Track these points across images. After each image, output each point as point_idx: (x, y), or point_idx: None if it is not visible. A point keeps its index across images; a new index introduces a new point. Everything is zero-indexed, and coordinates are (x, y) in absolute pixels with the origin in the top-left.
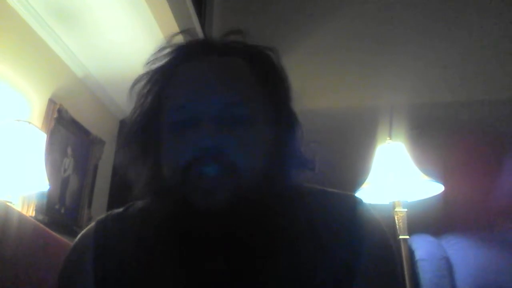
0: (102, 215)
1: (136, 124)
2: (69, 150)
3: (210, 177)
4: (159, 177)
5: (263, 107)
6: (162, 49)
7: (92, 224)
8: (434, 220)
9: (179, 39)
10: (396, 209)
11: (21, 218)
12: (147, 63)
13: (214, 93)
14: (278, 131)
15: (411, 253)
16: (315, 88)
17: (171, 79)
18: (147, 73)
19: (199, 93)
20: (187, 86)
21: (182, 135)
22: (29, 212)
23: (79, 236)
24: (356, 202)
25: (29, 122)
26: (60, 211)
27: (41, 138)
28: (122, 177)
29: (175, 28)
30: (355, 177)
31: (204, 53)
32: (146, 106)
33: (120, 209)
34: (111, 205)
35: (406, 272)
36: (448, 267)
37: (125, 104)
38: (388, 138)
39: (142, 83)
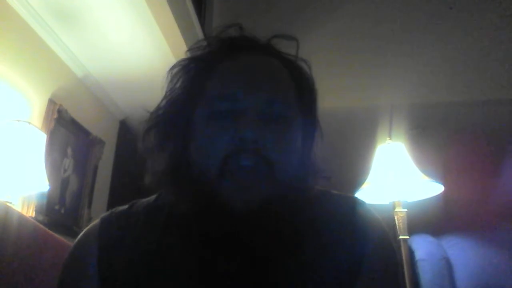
0: (106, 212)
1: (167, 108)
2: (69, 150)
3: (248, 169)
4: (183, 166)
5: (298, 111)
6: (205, 39)
7: (97, 221)
8: (434, 220)
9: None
10: (396, 209)
11: (21, 218)
12: (188, 51)
13: (261, 88)
14: (305, 138)
15: (411, 253)
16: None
17: (215, 70)
18: (185, 59)
19: (246, 85)
20: (234, 77)
21: (223, 124)
22: (29, 212)
23: (83, 232)
24: (358, 204)
25: (29, 123)
26: (60, 212)
27: (41, 138)
28: (126, 176)
29: (175, 29)
30: (355, 177)
31: (250, 50)
32: (181, 92)
33: (125, 206)
34: (111, 205)
35: (406, 273)
36: (448, 267)
37: (125, 104)
38: (388, 138)
39: (179, 69)
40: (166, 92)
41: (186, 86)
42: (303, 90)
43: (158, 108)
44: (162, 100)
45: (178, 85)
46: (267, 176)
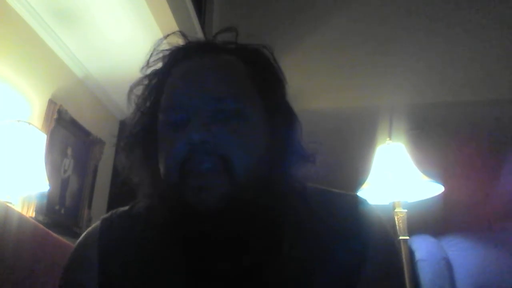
0: (107, 214)
1: (136, 129)
2: (69, 151)
3: (203, 173)
4: (160, 179)
5: (256, 102)
6: (155, 53)
7: (97, 222)
8: (434, 221)
9: (170, 41)
10: (396, 210)
11: (21, 219)
12: (143, 68)
13: (204, 90)
14: (274, 126)
15: (411, 253)
16: (315, 88)
17: (166, 82)
18: (143, 78)
19: (190, 91)
20: (179, 86)
21: (175, 133)
22: (29, 212)
23: (84, 233)
24: (360, 202)
25: (29, 123)
26: (60, 212)
27: (41, 139)
28: (122, 178)
29: (175, 28)
30: (355, 177)
31: (197, 53)
32: (144, 111)
33: (126, 208)
34: (111, 205)
35: (406, 273)
36: (448, 267)
37: (125, 104)
38: (388, 139)
39: (139, 88)
40: (133, 112)
41: (148, 105)
42: (263, 79)
43: (129, 128)
44: (131, 120)
45: (142, 104)
46: (225, 174)
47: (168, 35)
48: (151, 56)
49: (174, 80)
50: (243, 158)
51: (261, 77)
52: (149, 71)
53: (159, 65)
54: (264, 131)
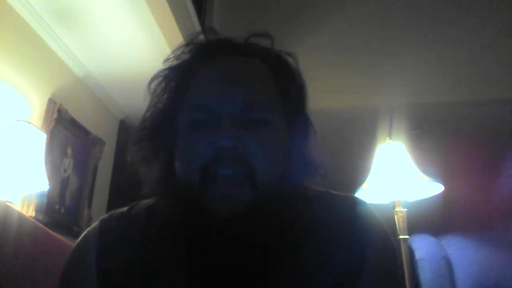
0: (106, 214)
1: (152, 121)
2: (69, 150)
3: (227, 178)
4: (172, 176)
5: (281, 110)
6: (182, 46)
7: (96, 223)
8: (434, 220)
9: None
10: (396, 209)
11: (21, 218)
12: (166, 60)
13: (236, 94)
14: (294, 136)
15: (411, 253)
16: (315, 88)
17: (192, 78)
18: (165, 69)
19: (221, 92)
20: (208, 85)
21: (201, 134)
22: (29, 212)
23: (83, 234)
24: (359, 204)
25: (29, 122)
26: (60, 211)
27: (41, 138)
28: (127, 176)
29: (175, 28)
30: (355, 177)
31: (226, 53)
32: (163, 103)
33: (124, 209)
34: (111, 205)
35: (406, 272)
36: (448, 267)
37: (125, 104)
38: (388, 138)
39: (160, 79)
40: (150, 103)
41: (168, 97)
42: (287, 87)
43: (144, 120)
44: (146, 112)
45: (161, 96)
46: (248, 182)
47: (205, 30)
48: (175, 49)
49: (203, 78)
50: (268, 168)
51: (286, 85)
52: (172, 64)
53: (183, 58)
54: (285, 139)
